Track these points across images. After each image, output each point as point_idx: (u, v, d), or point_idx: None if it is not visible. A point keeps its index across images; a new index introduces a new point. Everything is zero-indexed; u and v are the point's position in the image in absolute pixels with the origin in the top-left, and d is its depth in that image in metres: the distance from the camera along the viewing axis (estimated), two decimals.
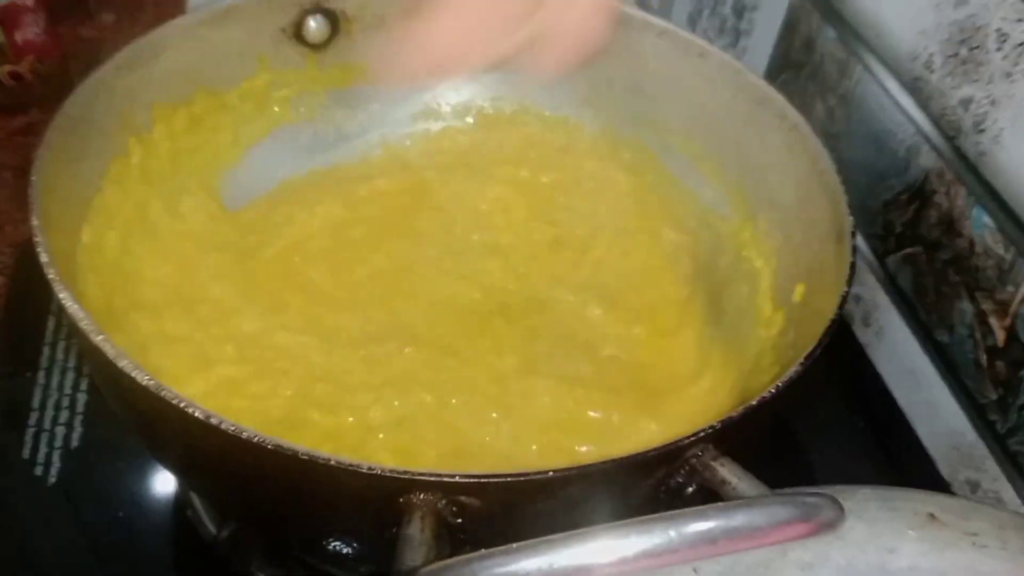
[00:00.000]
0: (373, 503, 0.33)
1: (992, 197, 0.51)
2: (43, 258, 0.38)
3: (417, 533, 0.31)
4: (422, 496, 0.32)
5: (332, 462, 0.32)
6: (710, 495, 0.35)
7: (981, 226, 0.52)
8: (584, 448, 0.46)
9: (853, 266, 0.43)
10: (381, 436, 0.45)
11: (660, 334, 0.53)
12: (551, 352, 0.50)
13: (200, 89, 0.55)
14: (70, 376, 0.56)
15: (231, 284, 0.51)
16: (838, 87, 0.64)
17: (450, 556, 0.29)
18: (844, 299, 0.41)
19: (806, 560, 0.37)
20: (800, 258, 0.50)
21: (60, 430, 0.53)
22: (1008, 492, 0.52)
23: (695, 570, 0.37)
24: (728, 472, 0.34)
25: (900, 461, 0.58)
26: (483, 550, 0.29)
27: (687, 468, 0.35)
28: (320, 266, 0.53)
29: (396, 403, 0.46)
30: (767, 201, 0.54)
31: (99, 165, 0.49)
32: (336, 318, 0.51)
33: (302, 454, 0.32)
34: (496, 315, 0.52)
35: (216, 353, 0.48)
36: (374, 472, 0.32)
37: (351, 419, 0.46)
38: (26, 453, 0.52)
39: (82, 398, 0.55)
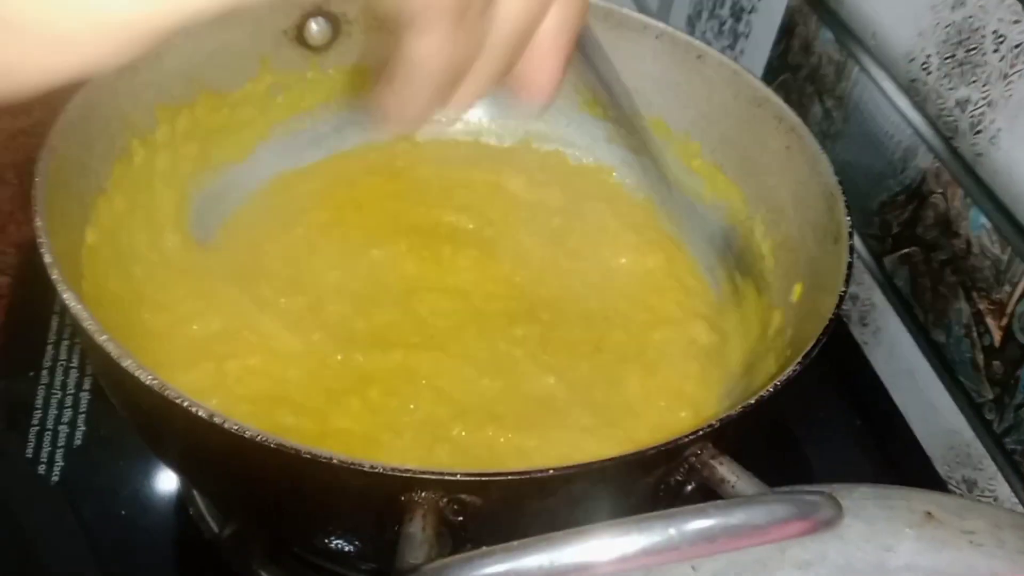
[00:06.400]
0: (374, 501, 0.34)
1: (989, 198, 0.51)
2: (47, 259, 0.38)
3: (418, 531, 0.31)
4: (423, 494, 0.32)
5: (334, 461, 0.32)
6: (709, 493, 0.35)
7: (978, 227, 0.52)
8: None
9: (850, 266, 0.43)
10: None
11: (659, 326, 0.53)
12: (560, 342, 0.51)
13: (202, 91, 0.55)
14: (73, 375, 0.56)
15: (234, 281, 0.51)
16: (835, 89, 0.64)
17: (451, 554, 0.30)
18: (841, 299, 0.42)
19: (804, 558, 0.38)
20: (798, 258, 0.50)
21: (63, 429, 0.53)
22: (1004, 490, 0.52)
23: (694, 568, 0.37)
24: (727, 470, 0.35)
25: (897, 460, 0.58)
26: (484, 548, 0.29)
27: (686, 466, 0.35)
28: (322, 261, 0.54)
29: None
30: (765, 202, 0.55)
31: (102, 167, 0.49)
32: (336, 313, 0.51)
33: (304, 453, 0.32)
34: (497, 312, 0.53)
35: (218, 348, 0.48)
36: (375, 471, 0.32)
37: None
38: (29, 452, 0.52)
39: (85, 397, 0.55)
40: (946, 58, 0.54)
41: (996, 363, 0.52)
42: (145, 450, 0.46)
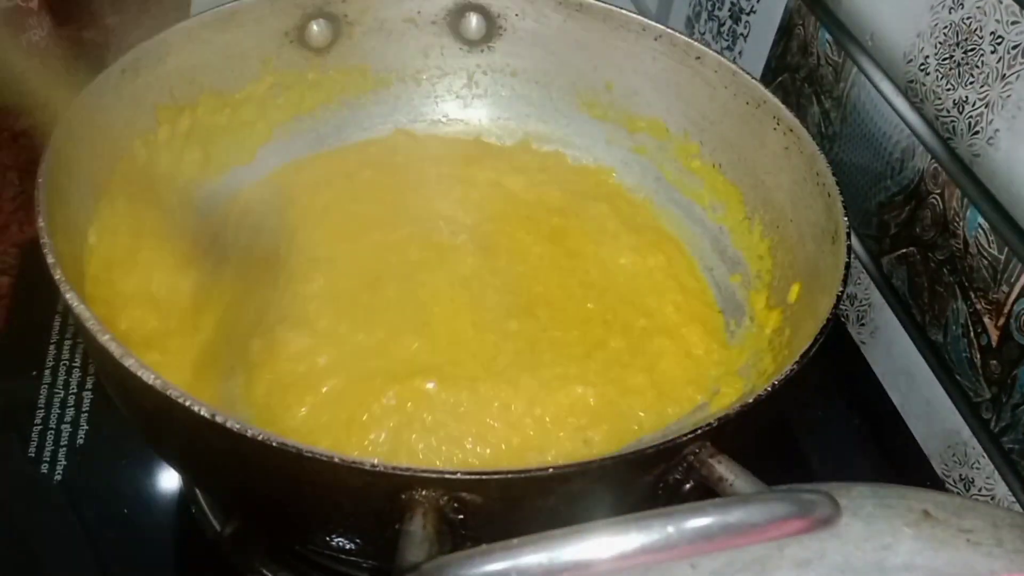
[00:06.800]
0: (375, 500, 0.34)
1: (986, 198, 0.51)
2: (49, 259, 0.38)
3: (419, 530, 0.31)
4: (424, 493, 0.32)
5: (335, 459, 0.32)
6: (707, 492, 0.35)
7: (975, 227, 0.52)
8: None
9: (848, 266, 0.44)
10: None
11: (661, 332, 0.53)
12: (556, 342, 0.51)
13: (204, 92, 0.55)
14: (75, 375, 0.56)
15: (236, 278, 0.51)
16: (834, 90, 0.64)
17: (451, 552, 0.30)
18: (839, 299, 0.42)
19: (803, 557, 0.37)
20: (796, 258, 0.51)
21: (66, 428, 0.54)
22: (1002, 489, 0.52)
23: (692, 566, 0.37)
24: (725, 469, 0.35)
25: (895, 459, 0.58)
26: (484, 545, 0.29)
27: (685, 465, 0.36)
28: (325, 259, 0.54)
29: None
30: (763, 202, 0.55)
31: (105, 167, 0.49)
32: (342, 310, 0.51)
33: (306, 452, 0.32)
34: (495, 303, 0.53)
35: (219, 346, 0.48)
36: (376, 469, 0.32)
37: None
38: (32, 451, 0.52)
39: (87, 397, 0.55)
40: (944, 59, 0.54)
41: (993, 363, 0.52)
42: (147, 449, 0.46)
